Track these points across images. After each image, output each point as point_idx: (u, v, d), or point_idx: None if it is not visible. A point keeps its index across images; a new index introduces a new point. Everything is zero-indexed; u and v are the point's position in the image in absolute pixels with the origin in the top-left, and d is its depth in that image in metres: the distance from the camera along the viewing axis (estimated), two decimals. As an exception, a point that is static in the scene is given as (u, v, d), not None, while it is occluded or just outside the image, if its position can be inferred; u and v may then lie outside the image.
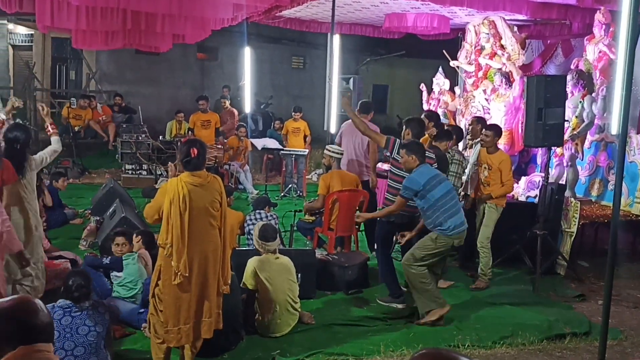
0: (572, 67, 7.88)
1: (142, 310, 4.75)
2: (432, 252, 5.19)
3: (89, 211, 7.90)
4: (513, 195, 7.66)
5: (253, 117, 13.48)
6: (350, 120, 6.78)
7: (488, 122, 7.50)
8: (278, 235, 5.30)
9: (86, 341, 3.75)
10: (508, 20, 8.77)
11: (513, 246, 6.57)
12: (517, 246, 6.54)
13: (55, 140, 5.20)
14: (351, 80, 9.91)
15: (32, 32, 15.20)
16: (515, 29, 8.91)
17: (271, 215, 6.38)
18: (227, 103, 12.39)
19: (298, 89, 17.89)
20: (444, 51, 9.74)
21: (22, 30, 15.61)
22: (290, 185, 10.49)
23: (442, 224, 5.12)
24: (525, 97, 6.56)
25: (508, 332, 5.12)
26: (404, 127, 5.96)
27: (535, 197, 7.43)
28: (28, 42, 15.83)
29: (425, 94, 10.45)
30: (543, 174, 6.80)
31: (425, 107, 10.30)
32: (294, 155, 10.62)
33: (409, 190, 5.18)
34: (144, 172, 10.50)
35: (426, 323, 5.18)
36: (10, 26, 15.54)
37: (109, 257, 5.33)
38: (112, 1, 6.97)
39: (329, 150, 6.91)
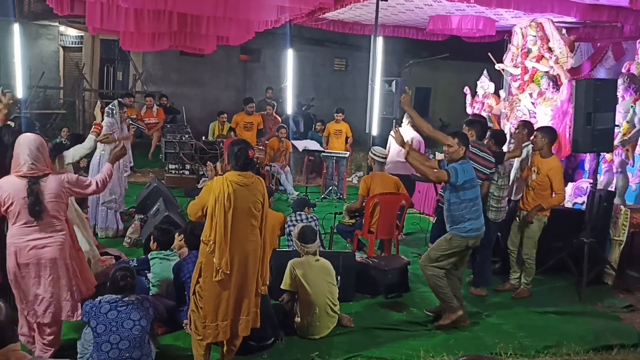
0: (624, 70, 7.65)
1: (180, 308, 4.82)
2: (446, 253, 5.15)
3: (133, 209, 8.06)
4: (559, 201, 7.47)
5: (294, 118, 13.54)
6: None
7: (535, 127, 7.32)
8: (318, 237, 5.30)
9: (131, 335, 3.83)
10: (556, 22, 8.57)
11: (558, 254, 6.40)
12: (563, 254, 6.37)
13: (89, 138, 5.51)
14: (393, 82, 9.84)
15: (82, 34, 15.64)
16: (564, 31, 8.70)
17: (311, 217, 6.39)
18: (273, 111, 12.30)
19: (340, 91, 17.90)
20: (489, 54, 9.58)
21: (72, 32, 16.08)
22: (330, 188, 10.50)
23: (461, 223, 5.07)
24: (574, 101, 6.39)
25: (552, 342, 5.00)
26: (467, 128, 5.86)
27: (582, 204, 7.24)
28: (78, 44, 16.30)
29: (469, 97, 10.30)
30: (591, 180, 6.61)
31: (469, 110, 10.16)
32: (334, 158, 10.62)
33: (454, 174, 4.97)
34: (187, 172, 10.68)
35: (442, 326, 5.18)
36: (62, 28, 16.03)
37: (136, 259, 5.47)
38: (159, 4, 7.10)
39: (372, 153, 6.97)
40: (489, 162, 5.74)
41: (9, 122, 4.84)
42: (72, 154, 5.69)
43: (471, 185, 5.06)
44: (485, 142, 6.06)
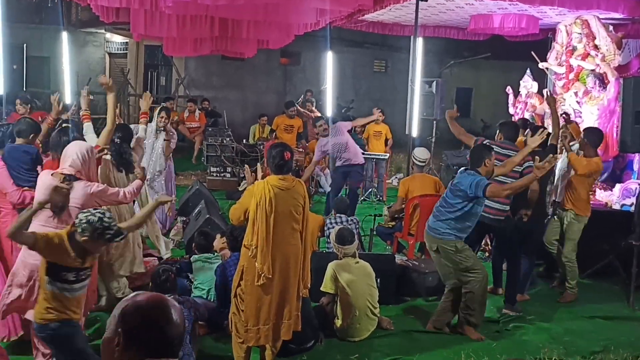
0: (674, 67, 7.40)
1: (222, 309, 4.88)
2: (472, 255, 5.06)
3: (176, 211, 8.20)
4: (606, 203, 7.27)
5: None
6: None
7: (581, 127, 7.17)
8: (356, 239, 5.28)
9: (172, 335, 3.88)
10: (603, 19, 8.33)
11: (605, 257, 6.22)
12: (610, 257, 6.19)
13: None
14: (434, 83, 9.74)
15: (127, 41, 16.04)
16: (611, 28, 8.46)
17: (352, 220, 6.38)
18: (312, 106, 12.41)
19: (380, 93, 17.84)
20: (532, 52, 9.39)
21: (117, 39, 16.51)
22: (370, 189, 10.45)
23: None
24: (621, 99, 6.21)
25: (599, 347, 4.87)
26: (498, 130, 5.79)
27: (631, 205, 7.02)
28: (123, 50, 16.72)
29: (511, 97, 10.11)
30: (640, 181, 6.41)
31: (511, 110, 9.98)
32: (374, 159, 10.57)
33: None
34: (228, 175, 10.81)
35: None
36: (108, 35, 16.48)
37: (179, 261, 5.56)
38: (201, 9, 7.23)
39: (413, 156, 7.02)
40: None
41: (64, 125, 4.98)
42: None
43: None
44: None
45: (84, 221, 3.31)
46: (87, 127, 5.41)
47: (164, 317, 1.74)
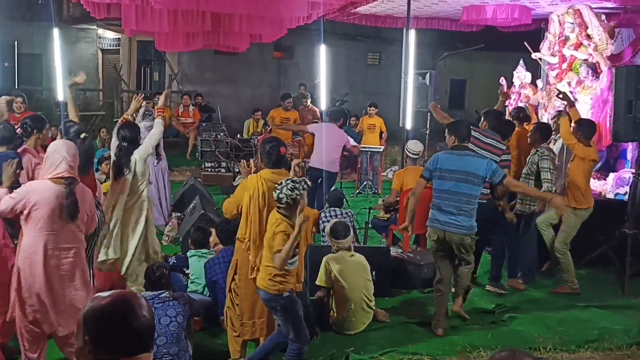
0: (667, 56, 7.40)
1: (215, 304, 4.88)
2: (432, 249, 5.11)
3: (171, 207, 8.19)
4: (600, 192, 7.30)
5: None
6: None
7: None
8: (352, 232, 5.28)
9: (168, 331, 3.88)
10: (595, 8, 8.32)
11: (600, 246, 6.25)
12: (605, 246, 6.22)
13: (157, 122, 5.39)
14: (427, 75, 9.73)
15: (119, 37, 15.96)
16: (603, 17, 8.45)
17: (346, 213, 6.38)
18: (308, 101, 12.39)
19: (374, 85, 17.81)
20: (525, 43, 9.38)
21: (110, 35, 16.43)
22: (365, 183, 10.46)
23: (430, 211, 4.98)
24: (614, 89, 6.23)
25: (594, 336, 4.89)
26: (482, 118, 5.81)
27: (624, 194, 7.05)
28: (115, 46, 16.65)
29: (505, 88, 10.11)
30: (633, 170, 6.43)
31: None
32: (369, 152, 10.57)
33: (425, 170, 5.01)
34: (223, 170, 10.79)
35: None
36: (100, 31, 16.40)
37: (175, 257, 5.55)
38: (192, 4, 7.19)
39: (406, 148, 7.04)
40: (495, 148, 5.46)
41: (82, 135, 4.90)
42: (146, 148, 5.13)
43: (439, 176, 4.89)
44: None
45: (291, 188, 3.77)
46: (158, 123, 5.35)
47: (127, 315, 1.69)
